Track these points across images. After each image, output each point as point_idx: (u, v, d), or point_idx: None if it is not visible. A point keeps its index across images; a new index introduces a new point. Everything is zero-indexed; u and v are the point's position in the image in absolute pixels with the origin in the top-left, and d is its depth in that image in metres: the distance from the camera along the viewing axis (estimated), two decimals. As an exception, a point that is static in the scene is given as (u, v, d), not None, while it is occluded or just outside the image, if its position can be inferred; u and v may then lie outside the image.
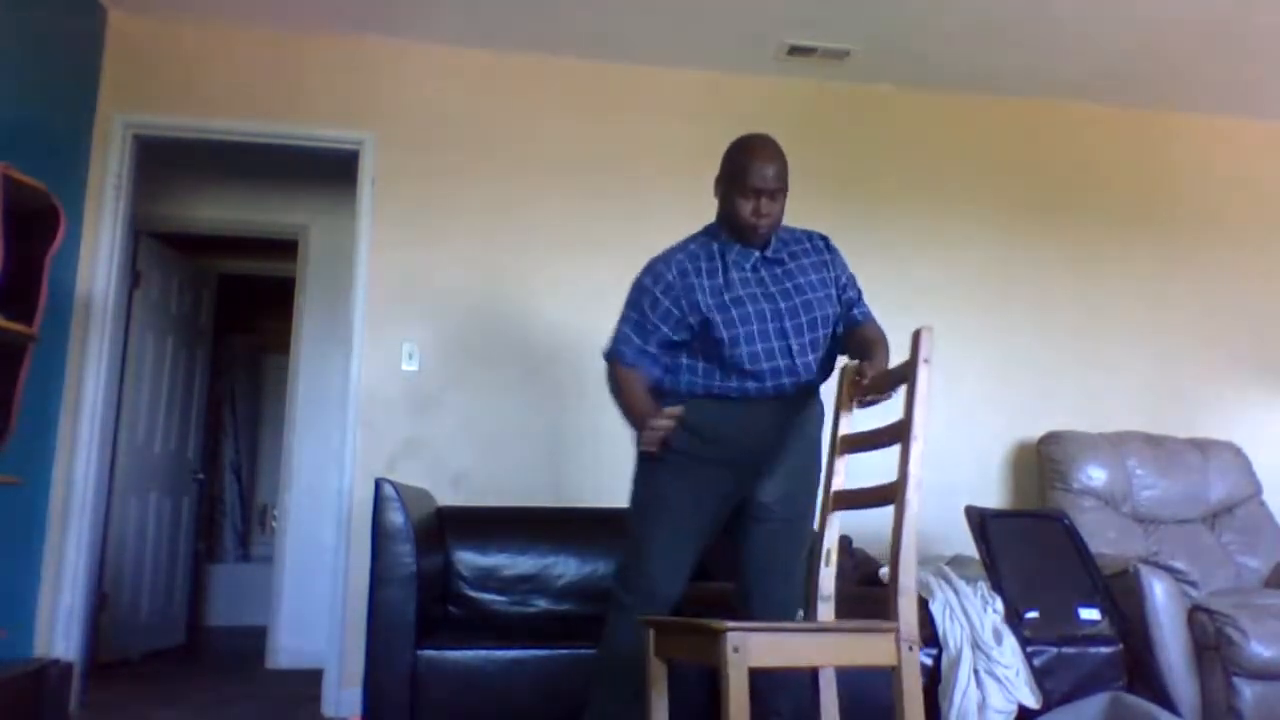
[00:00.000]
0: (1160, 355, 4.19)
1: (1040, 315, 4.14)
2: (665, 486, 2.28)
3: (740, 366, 2.23)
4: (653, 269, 2.33)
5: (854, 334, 2.37)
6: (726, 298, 2.26)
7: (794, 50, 3.89)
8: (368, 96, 3.85)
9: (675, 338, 2.28)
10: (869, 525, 3.34)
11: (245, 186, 5.01)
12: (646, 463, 2.32)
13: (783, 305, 2.28)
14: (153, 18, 3.75)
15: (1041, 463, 3.84)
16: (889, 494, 1.91)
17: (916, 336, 1.92)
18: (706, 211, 4.00)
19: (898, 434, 1.92)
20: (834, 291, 2.37)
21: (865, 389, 2.13)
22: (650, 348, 2.30)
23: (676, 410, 2.20)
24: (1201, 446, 3.88)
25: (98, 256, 3.61)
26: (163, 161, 4.30)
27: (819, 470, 2.34)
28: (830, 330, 2.35)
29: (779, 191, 2.27)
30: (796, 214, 4.03)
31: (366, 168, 3.80)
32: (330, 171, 4.30)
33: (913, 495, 1.87)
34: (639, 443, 2.27)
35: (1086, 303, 4.18)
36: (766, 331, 2.25)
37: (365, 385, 3.68)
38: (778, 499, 2.30)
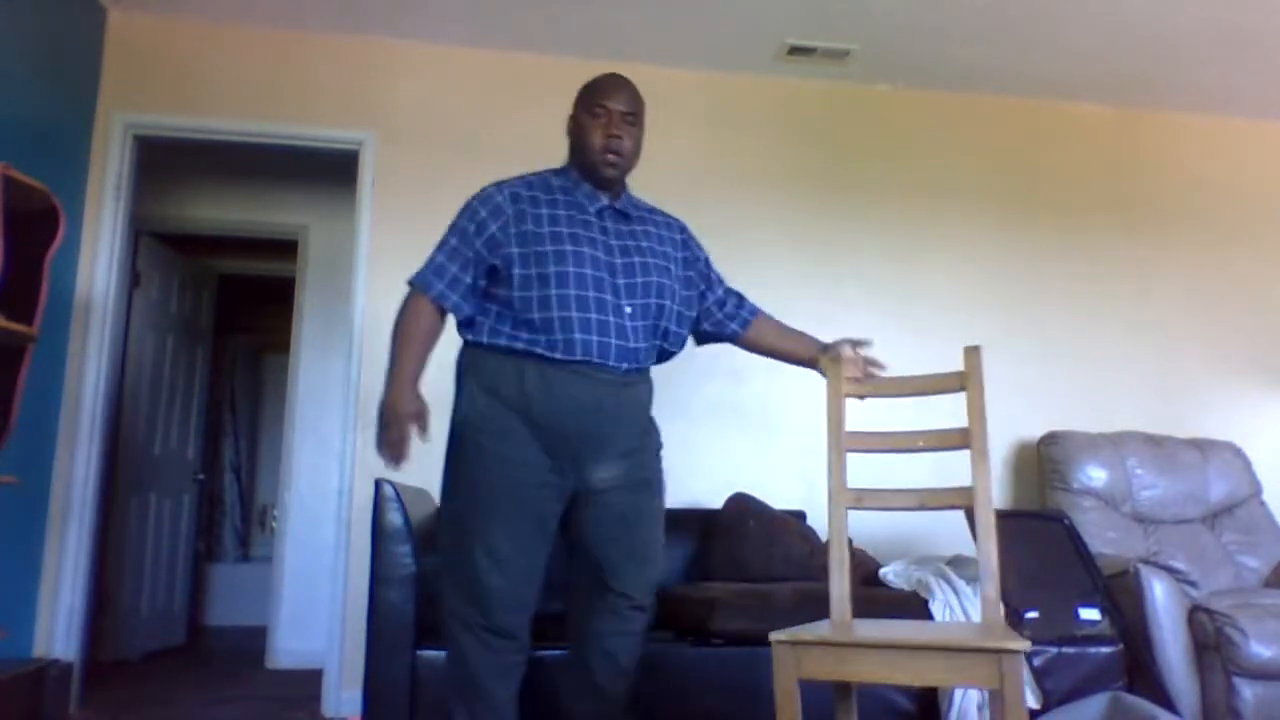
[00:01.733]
0: (1160, 355, 4.19)
1: (1040, 315, 4.14)
2: (483, 471, 2.01)
3: (561, 314, 2.00)
4: (482, 193, 2.13)
5: (766, 326, 2.34)
6: (558, 230, 2.05)
7: (794, 50, 3.89)
8: (368, 96, 3.85)
9: (494, 262, 2.05)
10: (868, 524, 3.34)
11: (245, 186, 5.00)
12: (456, 448, 2.06)
13: (619, 261, 2.08)
14: (152, 17, 3.75)
15: (1041, 463, 3.85)
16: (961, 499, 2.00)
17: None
18: (708, 210, 4.01)
19: (960, 441, 2.00)
20: (685, 275, 2.22)
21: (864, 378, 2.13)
22: (467, 277, 2.06)
23: (424, 424, 1.99)
24: (1201, 446, 3.88)
25: (98, 256, 3.61)
26: (163, 161, 4.30)
27: (656, 452, 2.20)
28: (672, 313, 2.17)
29: (632, 119, 2.12)
30: (797, 213, 4.06)
31: (366, 168, 3.80)
32: (330, 171, 4.30)
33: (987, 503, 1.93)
34: (383, 428, 1.97)
35: (1086, 302, 4.18)
36: (598, 280, 2.04)
37: (365, 385, 3.67)
38: (612, 483, 2.08)
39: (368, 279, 3.73)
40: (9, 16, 3.13)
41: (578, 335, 2.01)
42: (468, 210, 2.13)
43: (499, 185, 2.15)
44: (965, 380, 2.01)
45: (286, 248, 5.09)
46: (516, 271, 2.03)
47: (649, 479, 2.17)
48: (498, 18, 3.71)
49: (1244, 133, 4.44)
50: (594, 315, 2.02)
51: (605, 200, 2.15)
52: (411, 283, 2.10)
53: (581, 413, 2.02)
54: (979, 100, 4.26)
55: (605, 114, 2.10)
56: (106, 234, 3.63)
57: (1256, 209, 4.39)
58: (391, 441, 1.96)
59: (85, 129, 3.65)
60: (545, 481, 2.04)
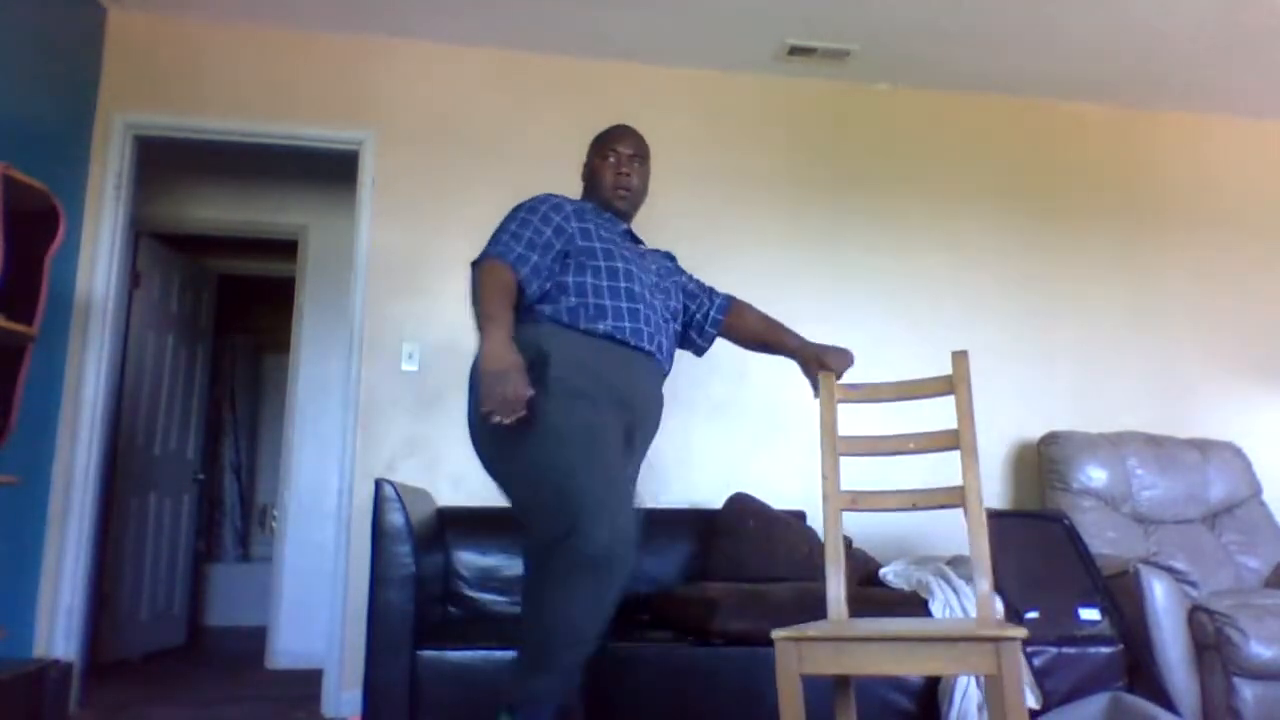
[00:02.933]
0: (1160, 355, 4.18)
1: (1040, 315, 4.14)
2: (594, 418, 2.01)
3: (630, 305, 2.15)
4: (538, 196, 2.27)
5: (744, 314, 2.46)
6: (610, 236, 2.25)
7: (794, 50, 3.89)
8: (368, 96, 3.85)
9: (564, 249, 2.16)
10: (868, 525, 3.35)
11: (245, 186, 5.01)
12: (559, 393, 2.00)
13: (655, 279, 2.31)
14: (152, 17, 3.75)
15: (1041, 463, 3.85)
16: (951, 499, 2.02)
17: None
18: (708, 210, 4.01)
19: (949, 442, 2.04)
20: (681, 300, 2.43)
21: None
22: (543, 268, 2.12)
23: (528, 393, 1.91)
24: (1201, 446, 3.88)
25: (98, 256, 3.61)
26: (163, 161, 4.30)
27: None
28: (677, 332, 2.41)
29: (639, 160, 2.37)
30: (796, 213, 4.06)
31: (366, 167, 3.80)
32: (330, 171, 4.30)
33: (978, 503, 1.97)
34: (496, 383, 1.86)
35: (1086, 302, 4.18)
36: (652, 288, 2.26)
37: (365, 385, 3.67)
38: (631, 476, 2.20)
39: (368, 279, 3.73)
40: (9, 16, 3.13)
41: (645, 327, 2.18)
42: (528, 208, 2.22)
43: (550, 194, 2.29)
44: (953, 384, 2.10)
45: (286, 248, 5.09)
46: (589, 263, 2.17)
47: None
48: (498, 17, 3.71)
49: (1244, 133, 4.44)
50: (655, 316, 2.23)
51: (624, 227, 2.37)
52: (487, 255, 2.12)
53: (649, 400, 2.23)
54: (979, 100, 4.26)
55: (615, 156, 2.35)
56: (106, 234, 3.63)
57: (1256, 209, 4.39)
58: (509, 397, 1.87)
59: (85, 129, 3.65)
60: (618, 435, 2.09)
